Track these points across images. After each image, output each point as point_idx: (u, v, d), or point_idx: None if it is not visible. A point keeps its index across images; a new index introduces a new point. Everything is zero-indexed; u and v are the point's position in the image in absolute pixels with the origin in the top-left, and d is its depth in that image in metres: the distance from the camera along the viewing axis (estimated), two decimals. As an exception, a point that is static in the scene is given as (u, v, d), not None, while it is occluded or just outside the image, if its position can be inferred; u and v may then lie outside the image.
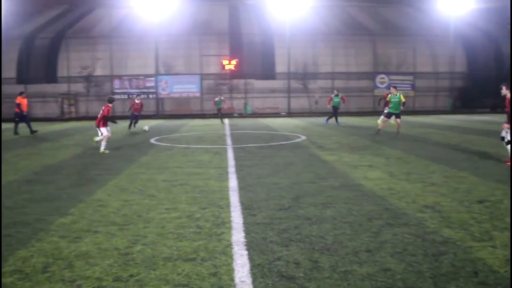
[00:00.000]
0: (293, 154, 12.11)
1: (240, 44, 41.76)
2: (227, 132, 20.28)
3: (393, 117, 17.58)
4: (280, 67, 41.14)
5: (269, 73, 41.75)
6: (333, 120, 24.38)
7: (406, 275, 3.96)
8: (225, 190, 7.51)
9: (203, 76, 40.67)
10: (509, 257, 4.40)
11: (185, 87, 40.33)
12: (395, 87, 18.14)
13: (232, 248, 4.68)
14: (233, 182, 8.21)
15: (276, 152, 12.69)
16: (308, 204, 6.45)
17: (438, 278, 3.90)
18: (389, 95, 17.76)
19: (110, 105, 13.45)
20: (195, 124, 28.13)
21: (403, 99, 17.60)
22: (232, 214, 6.01)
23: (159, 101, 40.32)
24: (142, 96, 31.02)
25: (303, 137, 16.73)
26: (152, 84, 40.19)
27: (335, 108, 24.32)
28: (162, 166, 10.38)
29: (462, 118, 29.56)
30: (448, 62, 41.66)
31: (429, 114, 35.99)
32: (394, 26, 42.55)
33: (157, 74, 39.99)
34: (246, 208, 6.26)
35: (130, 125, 22.21)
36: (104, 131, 13.12)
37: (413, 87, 40.81)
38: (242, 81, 40.98)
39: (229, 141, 16.20)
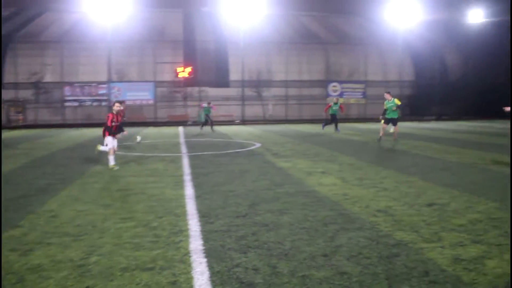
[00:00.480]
0: (249, 162, 12.18)
1: (195, 52, 41.65)
2: (182, 140, 20.14)
3: (391, 124, 17.84)
4: (234, 75, 41.29)
5: (223, 81, 41.81)
6: (329, 127, 24.65)
7: (362, 277, 4.08)
8: (181, 198, 7.47)
9: (156, 84, 40.26)
10: (456, 255, 4.62)
11: (138, 95, 39.78)
12: (389, 93, 18.29)
13: (190, 256, 4.67)
14: (189, 190, 8.18)
15: (231, 159, 12.73)
16: (265, 211, 6.51)
17: (392, 279, 4.05)
18: (385, 102, 17.95)
19: (114, 112, 11.61)
20: (149, 132, 27.78)
21: (398, 103, 17.80)
22: (190, 222, 5.99)
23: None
24: (96, 103, 29.06)
25: (258, 145, 16.85)
26: (105, 91, 39.41)
27: (333, 116, 24.39)
28: (116, 175, 10.20)
29: (410, 125, 30.58)
30: (397, 71, 43.10)
31: (380, 122, 37.02)
32: (346, 36, 43.64)
33: (109, 81, 39.25)
34: (203, 216, 6.26)
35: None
36: (109, 141, 11.21)
37: (365, 95, 41.91)
38: (196, 88, 40.83)
39: (184, 149, 16.11)
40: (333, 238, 5.24)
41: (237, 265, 4.39)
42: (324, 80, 42.04)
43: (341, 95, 41.60)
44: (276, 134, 22.93)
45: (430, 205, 6.82)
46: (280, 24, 42.19)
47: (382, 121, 18.16)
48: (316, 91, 41.87)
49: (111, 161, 11.11)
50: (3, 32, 40.00)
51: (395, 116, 17.60)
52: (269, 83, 41.27)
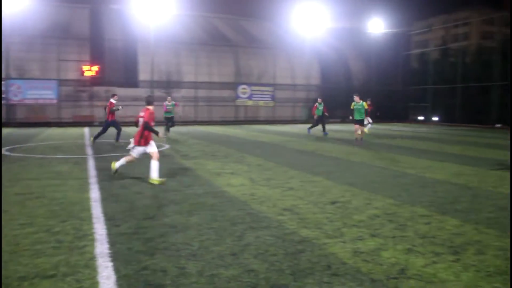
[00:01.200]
0: (158, 163, 11.99)
1: (102, 50, 40.09)
2: (87, 141, 19.34)
3: (358, 123, 18.34)
4: (143, 75, 40.29)
5: (132, 81, 40.66)
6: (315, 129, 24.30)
7: (269, 274, 4.22)
8: (86, 202, 7.20)
9: (61, 82, 38.20)
10: (356, 249, 4.93)
11: (40, 93, 37.43)
12: (358, 95, 18.64)
13: (96, 260, 4.53)
14: (95, 193, 7.90)
15: (139, 161, 12.42)
16: (173, 212, 6.48)
17: (297, 274, 4.22)
18: (353, 103, 18.35)
19: (151, 108, 9.41)
20: (52, 132, 26.32)
21: (365, 106, 18.44)
22: (95, 225, 5.80)
23: (10, 107, 36.93)
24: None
25: (167, 146, 16.63)
26: (2, 88, 36.67)
27: (319, 118, 23.97)
28: (14, 178, 9.56)
29: (317, 128, 31.77)
30: (304, 75, 44.57)
31: (288, 123, 38.08)
32: (255, 39, 44.35)
33: (7, 78, 36.61)
34: (110, 219, 6.09)
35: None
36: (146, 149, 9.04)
37: (273, 97, 42.84)
38: (103, 88, 39.33)
39: (90, 150, 15.47)
40: (241, 237, 5.34)
41: (145, 268, 4.34)
42: (234, 82, 42.37)
43: (250, 97, 42.22)
44: (185, 136, 22.75)
45: (333, 203, 7.18)
46: (190, 25, 41.91)
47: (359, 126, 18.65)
48: (226, 93, 42.08)
49: (118, 163, 9.26)
50: None
51: (361, 117, 18.34)
52: (178, 84, 40.80)
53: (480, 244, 5.16)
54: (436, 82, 41.46)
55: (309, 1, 40.39)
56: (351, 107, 18.68)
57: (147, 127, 8.83)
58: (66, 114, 36.78)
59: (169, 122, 22.31)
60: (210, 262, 4.52)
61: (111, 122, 16.92)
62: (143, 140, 8.92)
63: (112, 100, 16.99)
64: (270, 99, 43.10)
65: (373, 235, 5.46)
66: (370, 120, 25.04)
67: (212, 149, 15.91)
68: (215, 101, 41.36)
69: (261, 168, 11.09)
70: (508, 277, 4.22)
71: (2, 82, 36.49)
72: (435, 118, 41.57)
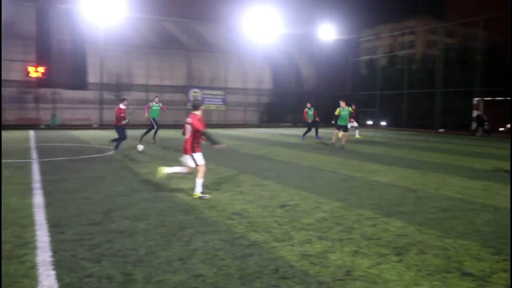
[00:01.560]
0: (105, 168, 11.72)
1: (49, 51, 38.74)
2: (32, 144, 18.64)
3: (342, 129, 18.19)
4: (92, 77, 39.27)
5: (80, 83, 39.54)
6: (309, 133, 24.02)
7: (217, 278, 4.20)
8: (28, 208, 6.92)
9: (4, 83, 36.65)
10: (304, 251, 4.99)
11: (-20, 95, 35.77)
12: (344, 101, 18.52)
13: (37, 269, 4.37)
14: (38, 199, 7.61)
15: (87, 165, 12.12)
16: (121, 218, 6.34)
17: (245, 278, 4.23)
18: (338, 109, 18.16)
19: (198, 113, 8.11)
20: (-7, 136, 25.20)
21: (351, 110, 18.57)
22: (38, 233, 5.59)
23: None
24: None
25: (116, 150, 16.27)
26: None
27: (312, 122, 23.90)
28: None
29: (268, 131, 32.04)
30: (256, 80, 44.83)
31: (239, 127, 38.16)
32: (207, 43, 44.21)
33: None
34: (54, 226, 5.89)
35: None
36: (199, 158, 8.01)
37: (225, 101, 42.81)
38: (49, 90, 38.06)
39: (34, 154, 14.91)
40: (189, 242, 5.30)
41: (90, 275, 4.22)
42: (185, 85, 42.03)
43: (201, 101, 42.13)
44: (135, 140, 22.33)
45: (282, 206, 7.24)
46: (141, 27, 41.26)
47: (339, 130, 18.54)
48: (177, 96, 41.66)
49: (199, 187, 7.99)
50: None
51: (346, 123, 18.26)
52: (129, 87, 40.06)
53: (422, 245, 5.35)
54: (384, 88, 42.71)
55: (261, 7, 40.73)
56: (336, 113, 18.47)
57: (205, 135, 8.00)
58: (10, 116, 35.31)
59: (154, 125, 20.39)
60: (157, 268, 4.45)
61: (119, 126, 15.91)
62: (196, 148, 8.00)
63: (121, 106, 15.89)
64: (221, 103, 43.04)
65: (321, 238, 5.54)
66: (356, 124, 25.49)
67: (162, 153, 15.70)
68: (166, 104, 40.72)
69: (212, 172, 11.03)
70: (446, 275, 4.39)
71: None
72: (383, 123, 42.79)
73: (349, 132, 19.66)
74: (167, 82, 41.85)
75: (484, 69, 34.69)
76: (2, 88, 35.87)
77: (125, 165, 12.37)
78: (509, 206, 7.60)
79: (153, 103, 20.53)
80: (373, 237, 5.61)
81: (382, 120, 43.04)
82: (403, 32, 54.24)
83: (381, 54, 46.53)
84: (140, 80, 40.80)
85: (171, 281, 4.12)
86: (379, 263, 4.69)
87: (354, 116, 24.33)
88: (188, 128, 7.96)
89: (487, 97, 32.02)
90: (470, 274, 4.44)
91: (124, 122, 15.87)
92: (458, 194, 8.64)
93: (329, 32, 44.82)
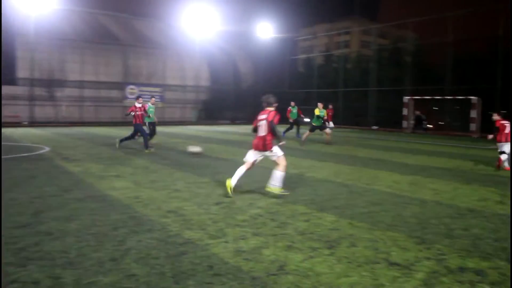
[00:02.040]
0: (35, 167, 11.22)
1: (-28, 43, 36.57)
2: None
3: (322, 129, 19.25)
4: (22, 72, 37.44)
5: (9, 78, 37.58)
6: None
7: (150, 278, 4.15)
8: None
9: None
10: (238, 248, 5.03)
11: None
12: (322, 103, 19.38)
13: (-45, 275, 4.12)
14: (-41, 201, 7.18)
15: (15, 165, 11.54)
16: (50, 219, 6.11)
17: (178, 276, 4.21)
18: (317, 109, 18.88)
19: (272, 108, 8.28)
20: None
21: (325, 114, 19.38)
22: (-43, 236, 5.28)
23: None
24: None
25: (47, 148, 15.63)
26: None
27: (295, 120, 23.93)
28: None
29: (206, 129, 31.93)
30: (194, 76, 44.51)
31: (177, 125, 37.75)
32: (145, 39, 43.33)
33: None
34: (-24, 229, 5.58)
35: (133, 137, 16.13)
36: (279, 151, 8.05)
37: (162, 98, 42.18)
38: (-27, 85, 35.91)
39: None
40: (122, 241, 5.19)
41: (14, 281, 4.04)
42: (122, 82, 41.01)
43: (138, 97, 41.34)
44: (68, 137, 21.57)
45: (218, 203, 7.25)
46: (75, 21, 39.73)
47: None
48: (114, 93, 40.57)
49: (276, 181, 7.89)
50: None
51: (319, 124, 19.06)
52: (62, 83, 38.54)
53: (353, 238, 5.54)
54: (320, 86, 43.69)
55: (200, 3, 40.47)
56: (316, 114, 19.07)
57: (273, 129, 7.87)
58: None
59: (150, 126, 18.07)
60: (88, 269, 4.33)
61: (138, 125, 15.51)
62: (269, 145, 7.92)
63: (137, 104, 15.70)
64: (159, 100, 42.39)
65: (255, 234, 5.60)
66: (332, 125, 26.39)
67: (96, 151, 15.25)
68: (102, 101, 39.71)
69: (147, 170, 10.87)
70: (374, 266, 4.58)
71: None
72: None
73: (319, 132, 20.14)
74: (102, 78, 40.66)
75: (413, 69, 36.33)
76: None
77: (58, 164, 11.91)
78: (434, 198, 8.02)
79: (149, 103, 17.83)
80: (306, 232, 5.74)
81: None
82: (339, 32, 55.71)
83: (317, 53, 47.57)
84: (74, 76, 39.35)
85: (103, 283, 4.03)
86: (311, 257, 4.81)
87: (330, 116, 25.75)
88: (263, 124, 7.93)
89: (416, 95, 33.52)
90: (397, 264, 4.66)
91: (146, 120, 16.30)
92: (388, 188, 9.02)
93: (267, 30, 45.29)
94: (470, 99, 30.42)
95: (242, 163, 8.12)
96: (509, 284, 4.23)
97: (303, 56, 50.38)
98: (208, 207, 6.97)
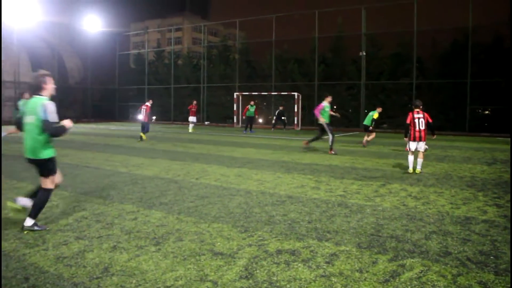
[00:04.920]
0: None
1: None
2: None
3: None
4: None
5: None
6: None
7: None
8: None
9: None
10: (59, 254, 4.75)
11: None
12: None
13: None
14: None
15: None
16: None
17: (-15, 292, 3.82)
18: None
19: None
20: None
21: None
22: None
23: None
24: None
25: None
26: None
27: (251, 118, 26.66)
28: None
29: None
30: (12, 71, 40.41)
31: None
32: None
33: None
34: None
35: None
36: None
37: (-26, 96, 37.45)
38: None
39: None
40: None
41: None
42: None
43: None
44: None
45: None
46: None
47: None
48: None
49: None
50: None
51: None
52: None
53: (180, 232, 5.63)
54: (152, 83, 43.21)
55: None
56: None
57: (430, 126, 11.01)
58: None
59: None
60: None
61: (146, 122, 19.91)
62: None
63: (148, 104, 20.37)
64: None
65: (78, 238, 5.35)
66: (195, 120, 27.60)
67: None
68: None
69: None
70: (200, 257, 4.72)
71: None
72: (154, 117, 43.34)
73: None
74: None
75: (241, 67, 38.08)
76: None
77: None
78: (258, 188, 8.55)
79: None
80: (133, 231, 5.67)
81: (151, 114, 43.51)
82: (171, 28, 55.72)
83: (149, 49, 46.90)
84: None
85: None
86: (137, 255, 4.77)
87: (194, 112, 27.29)
88: (422, 121, 10.69)
89: (245, 92, 35.20)
90: (221, 253, 4.87)
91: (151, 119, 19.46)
92: (216, 181, 9.35)
93: (95, 24, 43.09)
94: (293, 94, 32.99)
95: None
96: (319, 259, 4.72)
97: (134, 51, 49.25)
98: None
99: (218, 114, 38.91)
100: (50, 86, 5.71)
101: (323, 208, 7.01)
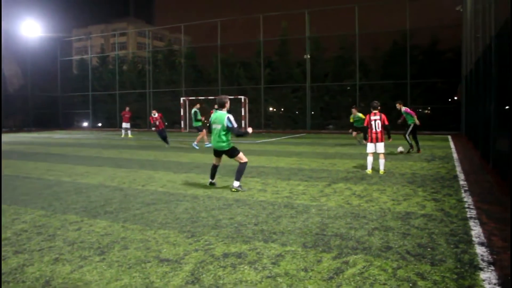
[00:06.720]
0: None
1: None
2: None
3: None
4: None
5: None
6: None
7: None
8: None
9: None
10: None
11: None
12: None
13: None
14: None
15: None
16: None
17: None
18: (352, 116, 19.14)
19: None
20: None
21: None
22: None
23: None
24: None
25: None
26: None
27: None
28: None
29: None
30: None
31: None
32: None
33: None
34: None
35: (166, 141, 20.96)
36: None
37: None
38: None
39: None
40: None
41: None
42: None
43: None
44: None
45: (-27, 223, 6.44)
46: None
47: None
48: None
49: None
50: None
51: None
52: None
53: (125, 240, 5.54)
54: (96, 89, 42.18)
55: None
56: (351, 121, 19.53)
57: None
58: None
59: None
60: None
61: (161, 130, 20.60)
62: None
63: (155, 115, 20.84)
64: None
65: (17, 252, 5.16)
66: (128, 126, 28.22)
67: None
68: None
69: None
70: (145, 265, 4.67)
71: None
72: (99, 124, 42.32)
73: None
74: None
75: (187, 71, 37.88)
76: None
77: None
78: (205, 193, 8.54)
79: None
80: (76, 241, 5.52)
81: (97, 122, 42.50)
82: (115, 33, 54.61)
83: (93, 55, 45.73)
84: None
85: None
86: (81, 266, 4.66)
87: (127, 118, 28.08)
88: (379, 122, 10.92)
89: (191, 96, 34.98)
90: (167, 260, 4.84)
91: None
92: (163, 187, 9.26)
93: (34, 29, 41.50)
94: (240, 98, 33.11)
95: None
96: (264, 261, 4.77)
97: (77, 57, 47.90)
98: (-41, 229, 6.14)
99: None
100: None
101: (269, 210, 7.10)
